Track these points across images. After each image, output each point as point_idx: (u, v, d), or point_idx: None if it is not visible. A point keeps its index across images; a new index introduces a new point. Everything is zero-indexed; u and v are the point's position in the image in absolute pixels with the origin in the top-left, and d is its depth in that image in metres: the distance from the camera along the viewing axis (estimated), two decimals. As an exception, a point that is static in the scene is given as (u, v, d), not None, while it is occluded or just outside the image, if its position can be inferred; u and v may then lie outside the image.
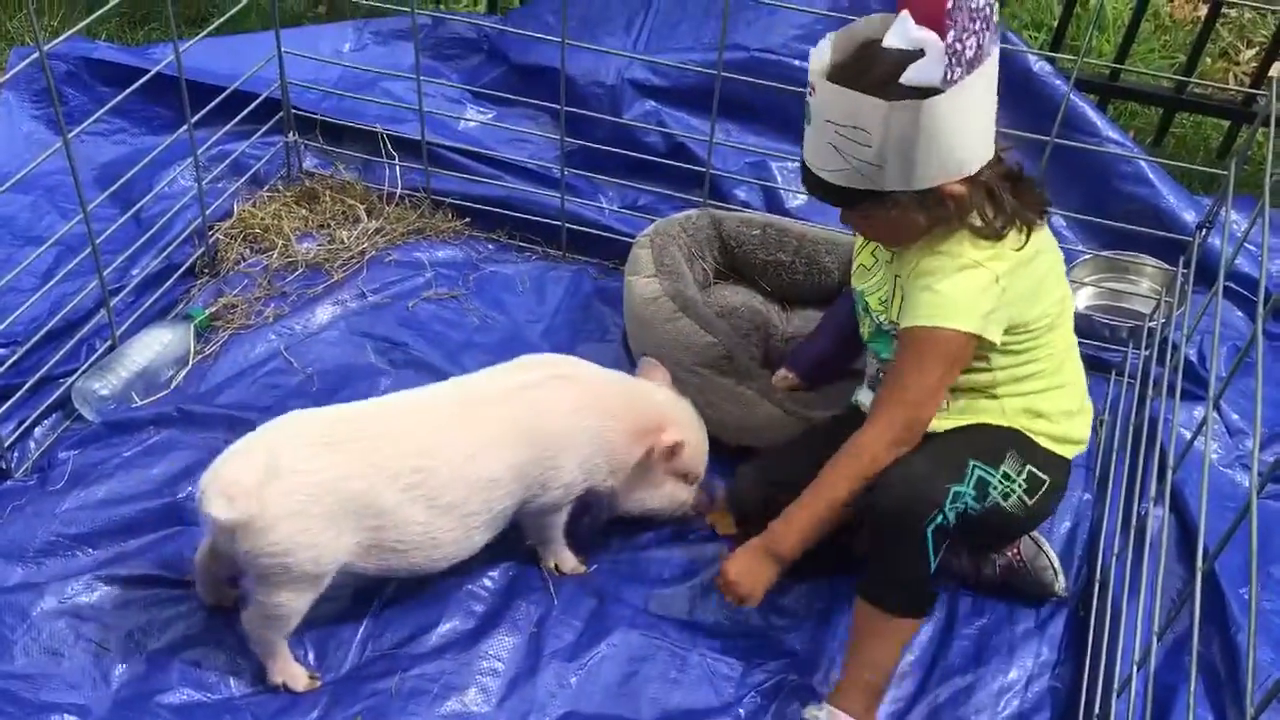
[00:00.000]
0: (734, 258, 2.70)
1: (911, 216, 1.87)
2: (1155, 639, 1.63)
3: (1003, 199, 1.87)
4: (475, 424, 1.98)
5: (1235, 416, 2.51)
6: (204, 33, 2.70)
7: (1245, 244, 2.22)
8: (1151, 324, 2.59)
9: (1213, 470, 2.36)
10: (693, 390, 2.32)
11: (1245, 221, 2.74)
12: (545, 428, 2.02)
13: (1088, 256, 2.82)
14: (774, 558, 1.91)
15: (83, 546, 2.10)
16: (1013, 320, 1.90)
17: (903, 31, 1.77)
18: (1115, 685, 1.77)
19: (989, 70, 1.78)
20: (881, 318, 2.02)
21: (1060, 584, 2.15)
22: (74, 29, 2.23)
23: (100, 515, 2.14)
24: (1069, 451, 2.03)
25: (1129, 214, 2.70)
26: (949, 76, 1.71)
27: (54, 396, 2.38)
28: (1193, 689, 1.35)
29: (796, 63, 2.95)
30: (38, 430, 2.34)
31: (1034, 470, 1.96)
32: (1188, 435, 2.34)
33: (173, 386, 2.49)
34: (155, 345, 2.50)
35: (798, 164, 2.98)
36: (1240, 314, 2.73)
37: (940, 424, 1.97)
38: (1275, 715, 1.87)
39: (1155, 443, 2.18)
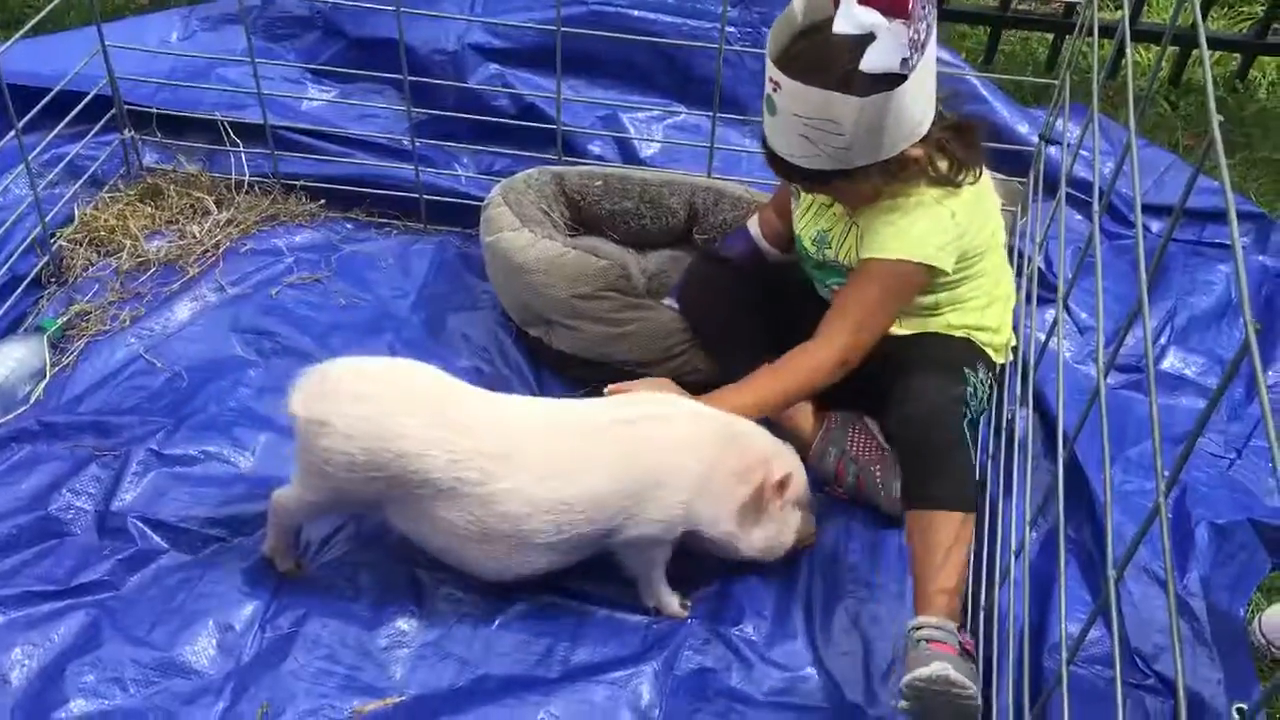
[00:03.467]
0: (580, 211, 2.70)
1: (878, 183, 2.00)
2: (1028, 528, 1.71)
3: (952, 149, 2.01)
4: (559, 448, 1.93)
5: (1084, 315, 2.64)
6: (20, 32, 2.59)
7: (1076, 150, 2.33)
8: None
9: (1067, 367, 2.47)
10: (601, 314, 2.38)
11: (1077, 129, 2.86)
12: (638, 465, 1.94)
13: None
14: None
15: (-44, 573, 2.03)
16: (963, 250, 2.04)
17: (850, 16, 1.84)
18: (998, 577, 1.86)
19: (933, 39, 1.88)
20: (828, 254, 2.17)
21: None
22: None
23: (-29, 539, 2.07)
24: (1002, 358, 2.24)
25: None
26: (910, 63, 1.81)
27: (-94, 425, 2.28)
28: (1062, 565, 1.43)
29: (635, 13, 2.98)
30: (-106, 461, 2.25)
31: (991, 379, 2.17)
32: (1042, 338, 2.45)
33: (32, 401, 2.41)
34: (8, 361, 2.41)
35: (649, 114, 3.04)
36: (1079, 217, 2.86)
37: (897, 329, 2.14)
38: (1139, 586, 2.01)
39: (1017, 349, 2.28)
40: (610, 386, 2.08)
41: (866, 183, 2.00)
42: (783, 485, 1.99)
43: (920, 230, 2.00)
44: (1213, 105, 1.17)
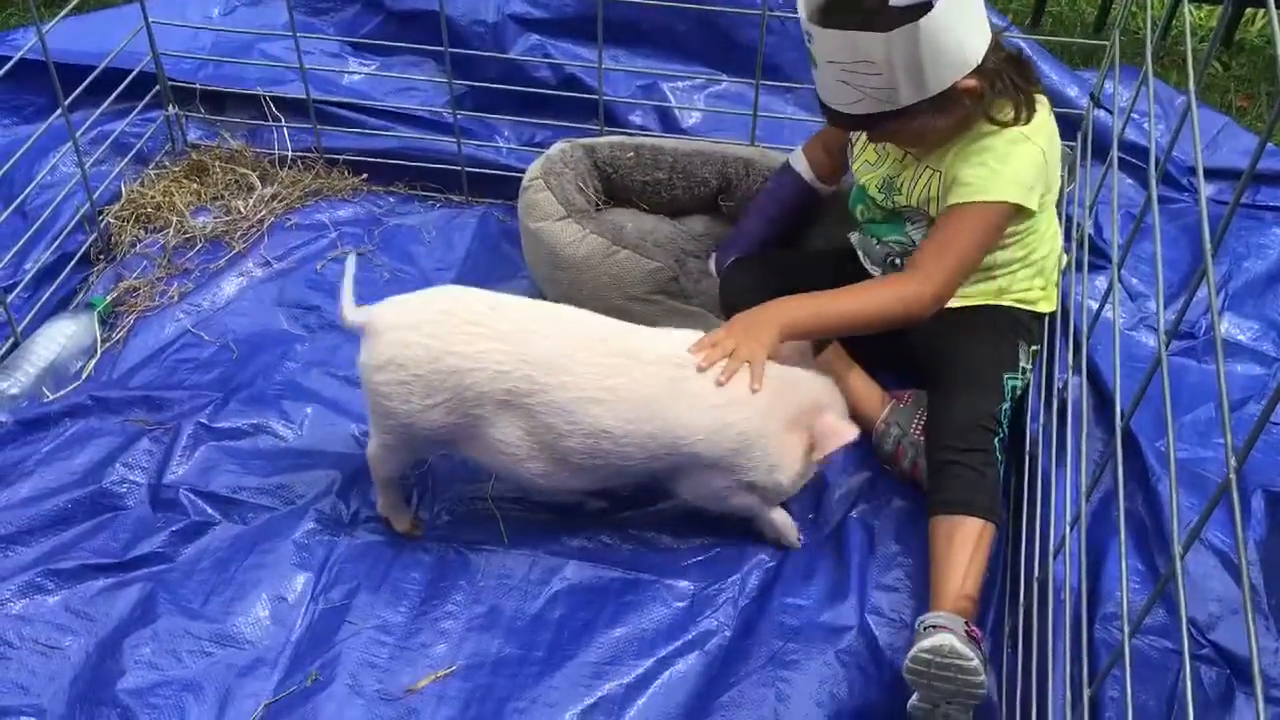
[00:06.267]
0: (611, 183, 2.65)
1: (933, 121, 1.98)
2: (1084, 499, 1.69)
3: (1009, 84, 1.99)
4: (616, 374, 1.89)
5: (1135, 281, 2.59)
6: (64, 10, 2.60)
7: (1128, 113, 2.29)
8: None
9: (1120, 335, 2.43)
10: (647, 318, 2.34)
11: (1128, 91, 2.81)
12: (679, 418, 1.91)
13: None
14: (778, 323, 1.95)
15: (14, 547, 2.05)
16: (1046, 188, 2.04)
17: None
18: (1051, 548, 1.84)
19: None
20: (898, 200, 2.14)
21: None
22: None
23: (28, 513, 2.09)
24: (1051, 305, 2.25)
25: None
26: None
27: (-39, 402, 2.31)
28: (1123, 540, 1.41)
29: (676, -21, 2.95)
30: (-51, 438, 2.28)
31: (1034, 348, 2.19)
32: (1094, 305, 2.41)
33: (84, 377, 2.44)
34: (60, 338, 2.44)
35: (690, 83, 3.02)
36: (1130, 181, 2.81)
37: (952, 300, 2.14)
38: (1193, 554, 1.98)
39: (1069, 316, 2.25)
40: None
41: (918, 120, 1.97)
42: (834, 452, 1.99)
43: (1012, 170, 1.98)
44: (1280, 67, 1.14)
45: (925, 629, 1.80)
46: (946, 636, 1.73)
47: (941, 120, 1.99)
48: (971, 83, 1.94)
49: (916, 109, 1.94)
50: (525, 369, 1.87)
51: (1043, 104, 2.06)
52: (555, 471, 1.95)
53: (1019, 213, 2.02)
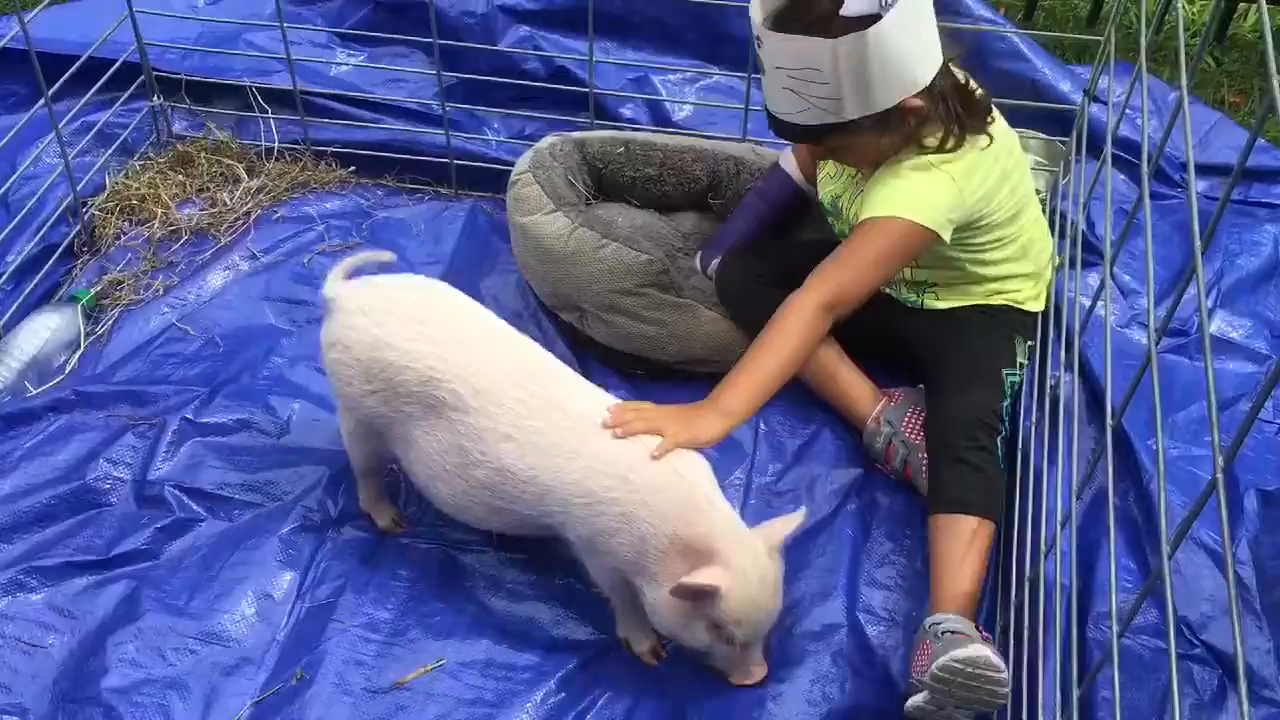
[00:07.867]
0: (602, 179, 2.63)
1: (876, 139, 1.97)
2: (1074, 498, 1.68)
3: (952, 112, 1.97)
4: (535, 416, 1.79)
5: (1127, 278, 2.58)
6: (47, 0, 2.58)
7: (1122, 109, 2.28)
8: (1042, 195, 2.64)
9: (1112, 332, 2.42)
10: (637, 310, 2.33)
11: (1121, 87, 2.79)
12: (573, 474, 1.77)
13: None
14: (720, 413, 1.86)
15: (-5, 544, 2.04)
16: (966, 218, 2.01)
17: None
18: (1043, 546, 1.83)
19: None
20: (844, 217, 2.17)
21: None
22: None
23: (10, 509, 2.07)
24: (1040, 304, 2.25)
25: (1008, 90, 2.74)
26: (886, 2, 1.78)
27: (-57, 396, 2.29)
28: (1113, 539, 1.40)
29: (666, -28, 2.93)
30: (-69, 433, 2.26)
31: (1029, 344, 2.20)
32: (1087, 302, 2.40)
33: (68, 371, 2.42)
34: (43, 332, 2.41)
35: (681, 76, 3.01)
36: (1122, 177, 2.80)
37: (936, 303, 2.20)
38: (1186, 554, 1.97)
39: (1061, 313, 2.24)
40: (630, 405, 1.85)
41: (862, 136, 1.96)
42: (698, 594, 1.69)
43: (917, 192, 1.97)
44: (1273, 66, 1.13)
45: (943, 634, 1.76)
46: (980, 649, 1.69)
47: (885, 139, 1.98)
48: (918, 102, 1.92)
49: (861, 124, 1.92)
50: (453, 383, 1.81)
51: (974, 144, 2.01)
52: (465, 504, 1.87)
53: (929, 235, 1.96)
